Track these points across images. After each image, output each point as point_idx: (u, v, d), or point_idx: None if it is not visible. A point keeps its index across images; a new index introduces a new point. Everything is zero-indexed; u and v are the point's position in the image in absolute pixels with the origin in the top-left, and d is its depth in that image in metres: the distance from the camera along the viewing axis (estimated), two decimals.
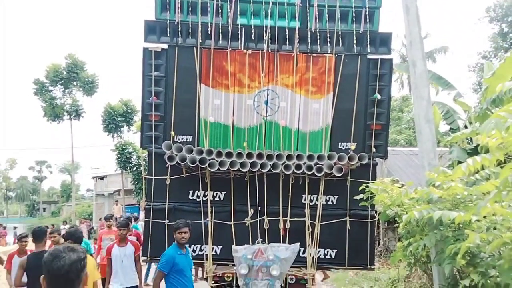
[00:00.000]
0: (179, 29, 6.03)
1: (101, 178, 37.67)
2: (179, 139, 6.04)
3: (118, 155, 25.57)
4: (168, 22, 6.00)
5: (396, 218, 5.63)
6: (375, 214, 6.13)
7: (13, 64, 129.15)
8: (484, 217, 3.40)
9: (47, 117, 26.87)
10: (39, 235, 5.33)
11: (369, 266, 6.25)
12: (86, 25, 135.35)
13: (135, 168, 25.03)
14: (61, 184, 70.63)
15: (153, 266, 10.08)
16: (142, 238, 7.57)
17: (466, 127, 9.37)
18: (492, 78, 6.90)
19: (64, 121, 27.42)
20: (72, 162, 30.54)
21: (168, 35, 6.03)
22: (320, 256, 6.09)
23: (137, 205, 24.69)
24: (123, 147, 25.40)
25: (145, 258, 6.31)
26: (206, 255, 6.01)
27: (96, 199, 38.07)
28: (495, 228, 3.22)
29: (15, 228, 29.02)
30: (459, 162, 5.87)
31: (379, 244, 12.38)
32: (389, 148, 7.03)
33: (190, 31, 6.06)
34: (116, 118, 25.40)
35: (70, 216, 34.33)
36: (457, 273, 4.14)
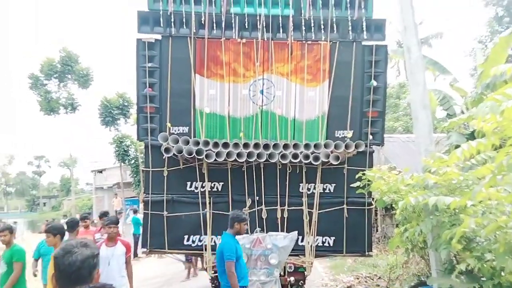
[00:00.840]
0: (172, 19, 5.98)
1: (100, 171, 37.57)
2: (175, 131, 6.02)
3: (116, 148, 25.51)
4: (161, 13, 5.94)
5: (393, 205, 5.66)
6: (372, 201, 6.15)
7: (8, 59, 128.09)
8: (480, 202, 3.41)
9: (43, 111, 26.73)
10: (72, 225, 5.97)
11: (367, 253, 6.28)
12: (79, 18, 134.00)
13: (133, 161, 25.00)
14: (61, 179, 70.64)
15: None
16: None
17: (463, 112, 9.37)
18: (486, 62, 6.87)
19: (60, 115, 27.29)
20: (70, 156, 30.49)
21: (162, 25, 5.98)
22: (319, 244, 6.13)
23: (137, 198, 24.71)
24: (121, 140, 25.33)
25: (145, 249, 6.32)
26: (205, 245, 6.03)
27: (96, 193, 38.03)
28: (490, 213, 3.23)
29: (15, 223, 29.03)
30: (457, 147, 5.88)
31: (377, 231, 12.46)
32: (386, 135, 7.03)
33: (183, 21, 6.01)
34: (112, 111, 25.29)
35: (71, 210, 34.36)
36: (453, 258, 4.17)
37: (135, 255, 12.01)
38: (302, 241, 6.04)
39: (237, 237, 4.92)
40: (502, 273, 3.15)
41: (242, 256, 4.87)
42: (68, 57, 26.59)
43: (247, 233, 5.84)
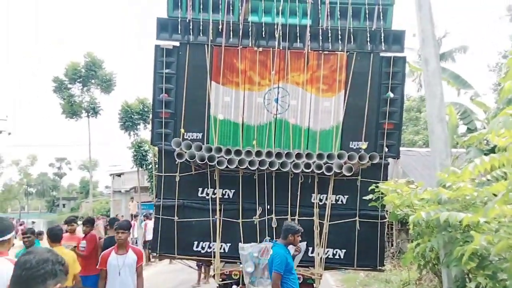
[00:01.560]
0: (191, 27, 6.06)
1: (118, 175, 38.14)
2: (189, 137, 6.07)
3: (134, 153, 25.90)
4: (179, 20, 6.03)
5: (406, 220, 5.54)
6: (386, 215, 6.04)
7: (33, 62, 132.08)
8: (494, 219, 3.31)
9: (65, 114, 27.38)
10: (113, 222, 6.73)
11: (378, 268, 6.15)
12: (104, 24, 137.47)
13: (150, 165, 25.31)
14: (80, 181, 71.95)
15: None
16: (98, 241, 6.75)
17: (484, 127, 9.16)
18: (506, 77, 6.70)
19: (82, 119, 27.91)
20: (89, 159, 31.05)
21: (180, 32, 6.06)
22: (329, 256, 6.03)
23: (153, 202, 24.91)
24: (139, 145, 25.71)
25: (155, 254, 6.35)
26: (214, 252, 6.02)
27: (114, 196, 38.57)
28: (504, 231, 3.12)
29: (33, 223, 29.70)
30: None
31: (392, 245, 12.21)
32: (406, 148, 6.93)
33: (201, 28, 6.08)
34: (132, 116, 25.73)
35: (88, 213, 34.88)
36: (466, 276, 4.04)
37: (148, 259, 12.09)
38: (312, 252, 5.96)
39: (245, 245, 4.88)
40: None
41: (293, 267, 4.84)
42: (93, 62, 27.27)
43: (256, 242, 5.82)
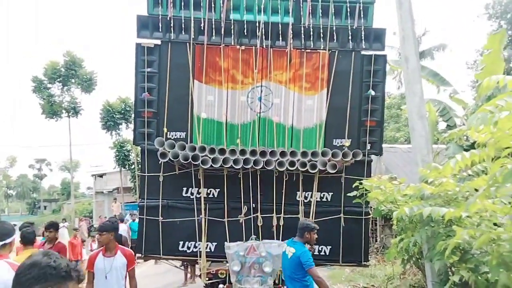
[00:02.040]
0: (172, 25, 5.99)
1: (100, 176, 37.62)
2: (172, 136, 6.01)
3: (117, 153, 25.55)
4: (160, 17, 5.96)
5: (390, 216, 5.60)
6: (370, 211, 6.11)
7: (11, 62, 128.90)
8: (476, 213, 3.37)
9: (45, 115, 26.78)
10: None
11: (363, 263, 6.23)
12: (83, 23, 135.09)
13: (133, 166, 25.02)
14: (62, 182, 70.63)
15: None
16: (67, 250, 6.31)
17: (463, 124, 9.33)
18: (483, 73, 6.85)
19: (63, 119, 27.35)
20: (70, 160, 30.49)
21: (161, 30, 5.99)
22: (314, 253, 6.05)
23: (136, 203, 24.65)
24: (121, 144, 25.38)
25: (140, 255, 6.27)
26: (200, 252, 5.98)
27: (96, 197, 38.04)
28: (485, 225, 3.19)
29: (14, 225, 28.93)
30: None
31: (376, 241, 12.37)
32: (388, 145, 7.00)
33: (183, 26, 6.02)
34: (114, 116, 25.38)
35: (70, 214, 34.31)
36: (449, 270, 4.12)
37: None
38: None
39: (231, 244, 4.87)
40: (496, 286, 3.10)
41: None
42: (72, 62, 26.70)
43: (242, 240, 5.82)
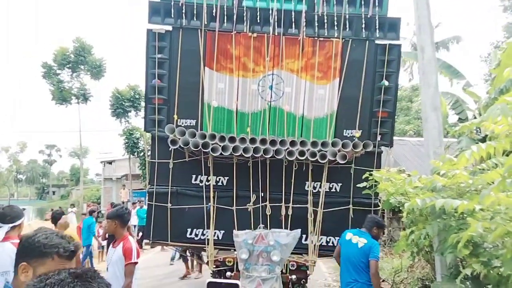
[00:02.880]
0: (184, 11, 5.94)
1: (109, 162, 37.89)
2: (182, 123, 6.00)
3: (126, 140, 25.67)
4: (172, 3, 5.91)
5: (400, 208, 5.55)
6: (379, 203, 6.07)
7: (21, 47, 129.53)
8: (489, 206, 3.32)
9: (55, 101, 26.94)
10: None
11: None
12: (93, 8, 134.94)
13: (142, 153, 25.13)
14: (71, 168, 71.39)
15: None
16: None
17: (475, 117, 9.21)
18: (499, 67, 6.69)
19: (72, 105, 27.50)
20: (80, 146, 30.75)
21: (173, 16, 5.95)
22: (322, 244, 6.06)
23: (145, 190, 24.82)
24: (131, 132, 25.48)
25: (148, 241, 6.31)
26: (208, 239, 6.00)
27: (104, 184, 38.36)
28: (500, 218, 3.13)
29: (23, 209, 29.36)
30: None
31: (383, 233, 12.33)
32: (397, 138, 6.93)
33: (194, 12, 5.97)
34: (123, 103, 25.41)
35: (79, 200, 34.69)
36: (459, 263, 4.08)
37: (140, 246, 12.03)
38: (305, 239, 5.98)
39: (240, 232, 4.87)
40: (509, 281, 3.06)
41: None
42: (82, 48, 26.75)
43: (250, 229, 5.82)
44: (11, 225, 3.37)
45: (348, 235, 4.83)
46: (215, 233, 6.04)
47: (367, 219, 4.86)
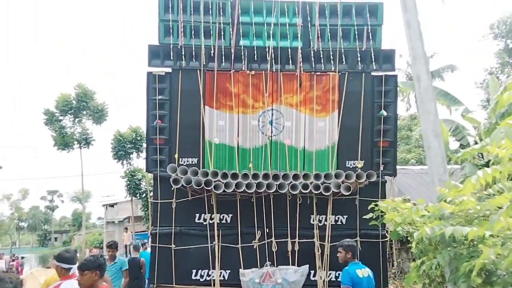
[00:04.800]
0: (183, 53, 6.09)
1: (111, 205, 37.63)
2: (184, 162, 6.00)
3: (128, 182, 25.57)
4: (171, 46, 6.07)
5: (408, 238, 5.44)
6: (386, 234, 5.96)
7: (23, 94, 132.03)
8: (499, 232, 3.25)
9: (57, 146, 27.12)
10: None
11: None
12: (94, 54, 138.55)
13: (144, 194, 24.96)
14: (73, 213, 70.75)
15: None
16: None
17: (476, 143, 9.22)
18: (502, 93, 6.79)
19: (74, 150, 27.63)
20: (82, 190, 30.62)
21: (172, 58, 6.09)
22: (332, 279, 5.90)
23: (147, 232, 24.48)
24: (132, 173, 25.41)
25: (153, 285, 6.16)
26: (214, 280, 5.85)
27: (107, 227, 37.92)
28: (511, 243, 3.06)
29: (22, 258, 28.99)
30: None
31: (392, 265, 12.02)
32: (399, 167, 6.89)
33: (193, 54, 6.11)
34: (125, 145, 25.51)
35: (81, 245, 34.16)
36: None
37: None
38: (314, 275, 5.83)
39: (246, 271, 4.75)
40: None
41: None
42: (84, 94, 27.24)
43: (257, 267, 5.69)
44: (75, 265, 3.97)
45: (358, 272, 4.76)
46: (221, 273, 5.90)
47: (356, 248, 4.97)
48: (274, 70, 6.09)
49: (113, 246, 7.61)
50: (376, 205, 5.10)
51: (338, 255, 5.00)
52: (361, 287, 4.74)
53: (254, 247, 5.88)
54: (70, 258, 4.06)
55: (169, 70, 6.17)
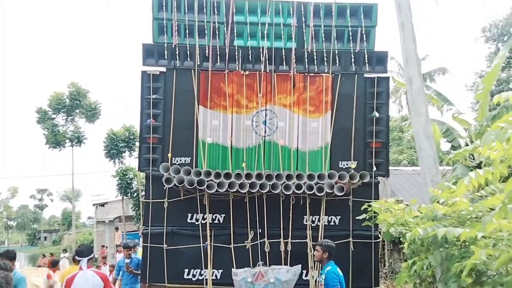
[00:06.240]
0: (177, 52, 6.07)
1: (102, 205, 37.36)
2: (177, 161, 5.98)
3: (119, 181, 25.42)
4: (165, 45, 6.04)
5: (400, 238, 5.48)
6: (379, 234, 6.00)
7: (14, 93, 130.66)
8: (491, 233, 3.29)
9: (48, 145, 26.89)
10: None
11: None
12: (87, 53, 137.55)
13: (136, 194, 24.84)
14: (62, 212, 70.19)
15: None
16: None
17: (467, 144, 9.31)
18: (483, 93, 6.88)
19: (66, 148, 27.41)
20: (72, 189, 30.37)
21: (166, 58, 6.06)
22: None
23: (138, 232, 24.36)
24: (124, 172, 25.27)
25: (145, 284, 6.13)
26: (206, 279, 5.84)
27: (97, 227, 37.66)
28: (502, 244, 3.10)
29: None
30: None
31: (384, 266, 12.11)
32: (391, 168, 6.94)
33: (188, 53, 6.09)
34: (118, 144, 25.39)
35: (71, 245, 33.89)
36: None
37: None
38: (306, 275, 5.84)
39: (238, 270, 4.76)
40: None
41: None
42: (77, 92, 27.03)
43: (249, 267, 5.68)
44: (89, 257, 4.84)
45: (340, 271, 5.03)
46: (213, 272, 5.89)
47: (333, 249, 5.11)
48: (268, 71, 6.09)
49: (129, 246, 8.36)
50: (369, 205, 5.14)
51: (315, 253, 5.16)
52: (342, 286, 4.95)
53: (247, 247, 5.88)
54: (80, 252, 4.96)
55: (163, 69, 6.14)
